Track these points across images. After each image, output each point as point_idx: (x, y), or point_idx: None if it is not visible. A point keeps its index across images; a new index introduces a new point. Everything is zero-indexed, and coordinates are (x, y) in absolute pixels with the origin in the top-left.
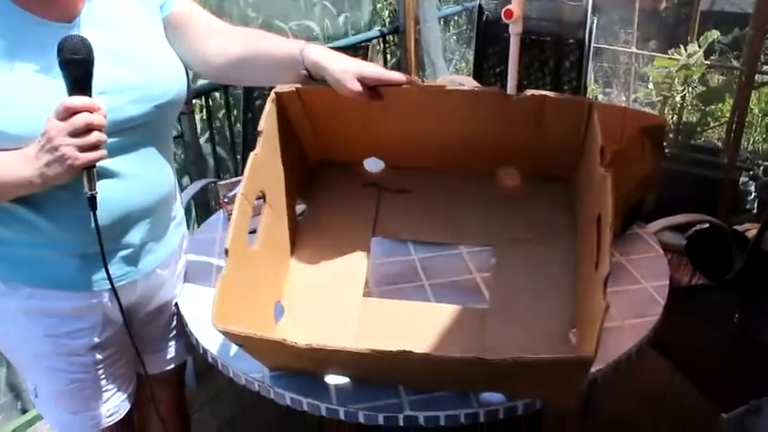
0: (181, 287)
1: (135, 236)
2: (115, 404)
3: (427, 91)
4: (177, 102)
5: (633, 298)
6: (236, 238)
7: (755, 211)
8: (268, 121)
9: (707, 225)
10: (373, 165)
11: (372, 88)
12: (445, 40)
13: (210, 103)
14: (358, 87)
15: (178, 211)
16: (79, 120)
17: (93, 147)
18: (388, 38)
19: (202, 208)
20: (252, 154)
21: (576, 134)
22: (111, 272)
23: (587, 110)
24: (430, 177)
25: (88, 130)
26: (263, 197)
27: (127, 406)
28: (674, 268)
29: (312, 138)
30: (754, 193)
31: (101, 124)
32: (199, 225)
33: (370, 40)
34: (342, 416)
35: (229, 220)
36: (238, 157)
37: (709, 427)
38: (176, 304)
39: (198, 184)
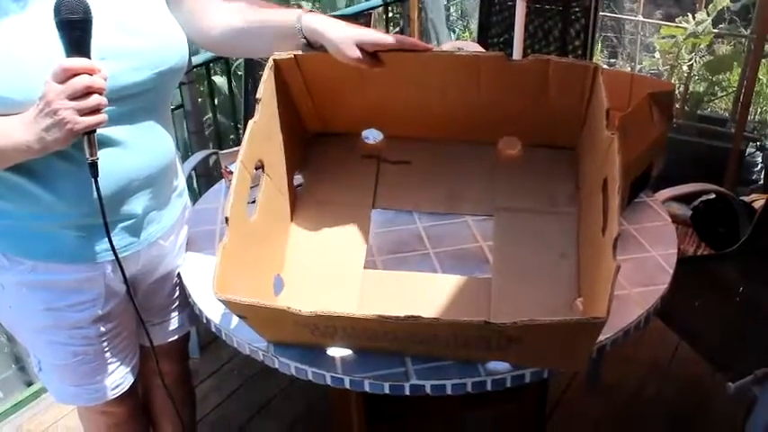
0: (183, 257)
1: (136, 206)
2: (119, 376)
3: (429, 56)
4: (179, 69)
5: (641, 266)
6: (236, 206)
7: (762, 181)
8: (267, 88)
9: (713, 196)
10: (372, 136)
11: (372, 55)
12: (449, 8)
13: (212, 72)
14: (357, 54)
15: (180, 180)
16: (78, 82)
17: (94, 110)
18: (391, 6)
19: (204, 178)
20: (251, 122)
21: (580, 100)
22: (115, 240)
23: (592, 74)
24: (430, 147)
25: (88, 93)
26: (261, 167)
27: (131, 378)
28: (679, 239)
29: (310, 107)
30: (760, 164)
31: (101, 87)
32: (201, 195)
33: (373, 8)
34: (347, 385)
35: None
36: (240, 126)
37: (715, 396)
38: (179, 274)
39: (199, 155)
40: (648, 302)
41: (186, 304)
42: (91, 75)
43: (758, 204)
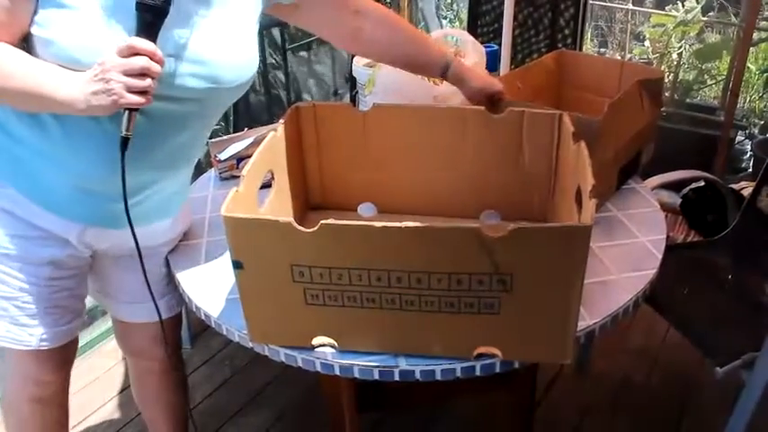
0: (173, 243)
1: (136, 198)
2: (52, 331)
3: (424, 109)
4: (240, 88)
5: (630, 252)
6: (253, 170)
7: (751, 169)
8: (286, 128)
9: (702, 183)
10: (367, 210)
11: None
12: None
13: None
14: (485, 103)
15: (188, 180)
16: (137, 62)
17: (143, 92)
18: None
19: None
20: (271, 133)
21: (549, 154)
22: (98, 212)
23: (558, 120)
24: (419, 220)
25: (143, 74)
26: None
27: (63, 339)
28: (669, 227)
29: (315, 166)
30: (749, 152)
31: (156, 72)
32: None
33: None
34: (337, 371)
35: (221, 179)
36: (229, 116)
37: (704, 382)
38: (167, 261)
39: None
40: (637, 288)
41: (174, 288)
42: (151, 59)
43: (747, 192)
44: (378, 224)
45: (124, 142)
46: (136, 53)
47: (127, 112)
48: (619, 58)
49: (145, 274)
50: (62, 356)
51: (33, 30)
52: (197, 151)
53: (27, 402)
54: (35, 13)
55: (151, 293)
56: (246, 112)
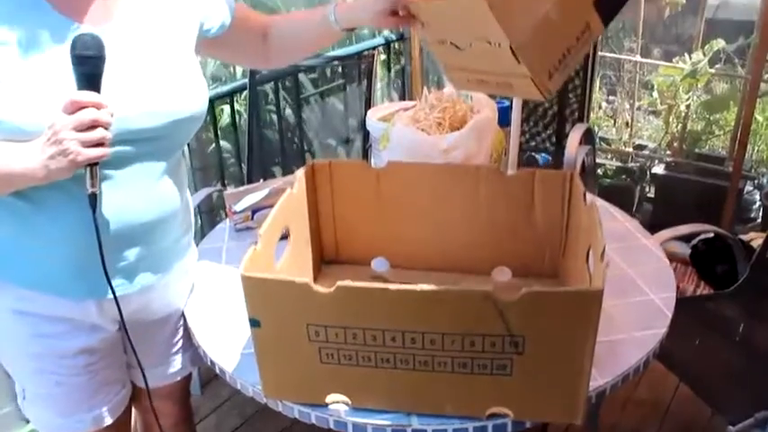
0: (187, 299)
1: (131, 251)
2: (105, 409)
3: (437, 167)
4: (196, 118)
5: (640, 310)
6: (270, 228)
7: (760, 220)
8: (300, 186)
9: (711, 234)
10: (380, 265)
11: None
12: None
13: (216, 111)
14: (393, 23)
15: (188, 226)
16: (85, 115)
17: (98, 144)
18: (392, 45)
19: (207, 215)
20: (289, 190)
21: (560, 211)
22: (101, 281)
23: (570, 178)
24: (433, 275)
25: (93, 126)
26: (287, 236)
27: (118, 412)
28: (679, 277)
29: (330, 221)
30: (758, 202)
31: (106, 122)
32: (203, 232)
33: (374, 47)
34: (350, 429)
35: (236, 230)
36: (243, 165)
37: None
38: (183, 316)
39: (203, 192)
40: (647, 346)
41: (188, 347)
42: (98, 109)
43: (756, 243)
44: (393, 287)
45: (92, 199)
46: (81, 107)
47: (88, 168)
48: (627, 106)
49: (125, 329)
50: (119, 423)
51: None
52: (174, 196)
53: None
54: None
55: (138, 361)
56: (260, 160)
